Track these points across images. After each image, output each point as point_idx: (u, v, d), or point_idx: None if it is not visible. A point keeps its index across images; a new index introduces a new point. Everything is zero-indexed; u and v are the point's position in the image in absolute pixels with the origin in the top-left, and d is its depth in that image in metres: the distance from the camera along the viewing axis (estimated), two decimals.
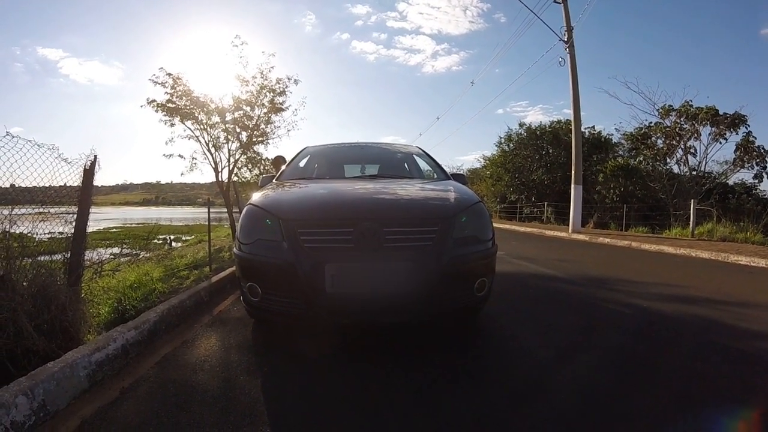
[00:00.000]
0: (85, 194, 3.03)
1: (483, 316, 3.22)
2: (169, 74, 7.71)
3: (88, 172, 3.04)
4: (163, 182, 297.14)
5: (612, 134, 23.00)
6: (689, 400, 1.97)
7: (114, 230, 19.74)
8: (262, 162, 9.56)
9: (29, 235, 2.73)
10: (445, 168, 4.01)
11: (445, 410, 1.86)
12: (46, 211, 2.97)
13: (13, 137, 2.45)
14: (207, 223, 5.76)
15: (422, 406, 1.90)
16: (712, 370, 2.32)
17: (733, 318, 3.34)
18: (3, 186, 2.55)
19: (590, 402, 1.94)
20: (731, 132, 17.65)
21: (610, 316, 3.42)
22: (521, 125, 25.30)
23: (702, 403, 1.94)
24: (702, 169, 18.20)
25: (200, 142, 8.19)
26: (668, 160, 19.16)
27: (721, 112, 17.52)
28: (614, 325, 3.18)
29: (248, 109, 8.27)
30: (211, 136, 8.20)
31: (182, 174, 8.45)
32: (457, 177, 3.80)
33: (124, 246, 9.09)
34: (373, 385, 2.13)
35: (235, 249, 2.74)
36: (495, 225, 3.04)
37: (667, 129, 18.57)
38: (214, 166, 8.33)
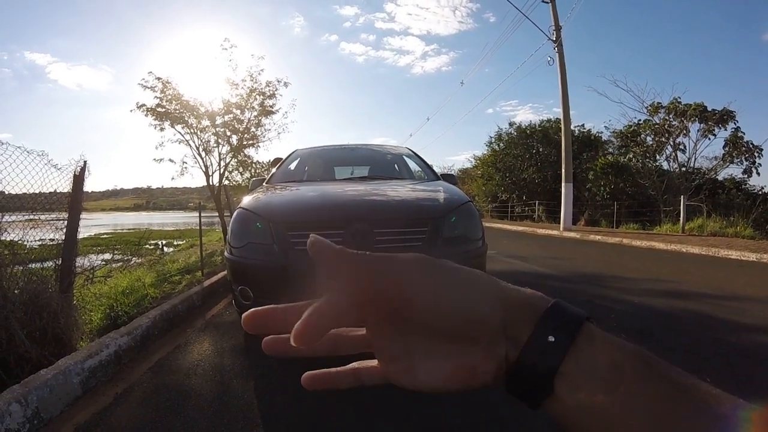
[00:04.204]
0: (75, 200, 3.02)
1: None
2: (159, 78, 7.67)
3: (78, 178, 3.03)
4: (153, 187, 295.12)
5: (602, 132, 23.21)
6: None
7: (105, 236, 19.53)
8: (253, 165, 9.52)
9: (20, 242, 2.72)
10: (435, 168, 4.04)
11: (440, 413, 1.89)
12: (36, 218, 2.96)
13: (2, 144, 2.44)
14: (198, 227, 5.75)
15: (416, 409, 1.92)
16: (705, 363, 2.37)
17: (724, 312, 3.39)
18: None
19: None
20: (720, 128, 17.85)
21: (603, 313, 3.46)
22: (511, 124, 25.51)
23: None
24: (691, 165, 18.39)
25: (190, 146, 8.15)
26: (658, 156, 19.35)
27: (709, 109, 17.73)
28: (607, 322, 3.21)
29: (238, 112, 8.24)
30: (201, 140, 8.17)
31: (173, 178, 8.41)
32: (447, 177, 3.83)
33: (116, 252, 9.02)
34: (367, 389, 2.14)
35: (226, 253, 2.74)
36: (486, 224, 3.07)
37: (656, 126, 18.74)
38: (204, 170, 8.30)
